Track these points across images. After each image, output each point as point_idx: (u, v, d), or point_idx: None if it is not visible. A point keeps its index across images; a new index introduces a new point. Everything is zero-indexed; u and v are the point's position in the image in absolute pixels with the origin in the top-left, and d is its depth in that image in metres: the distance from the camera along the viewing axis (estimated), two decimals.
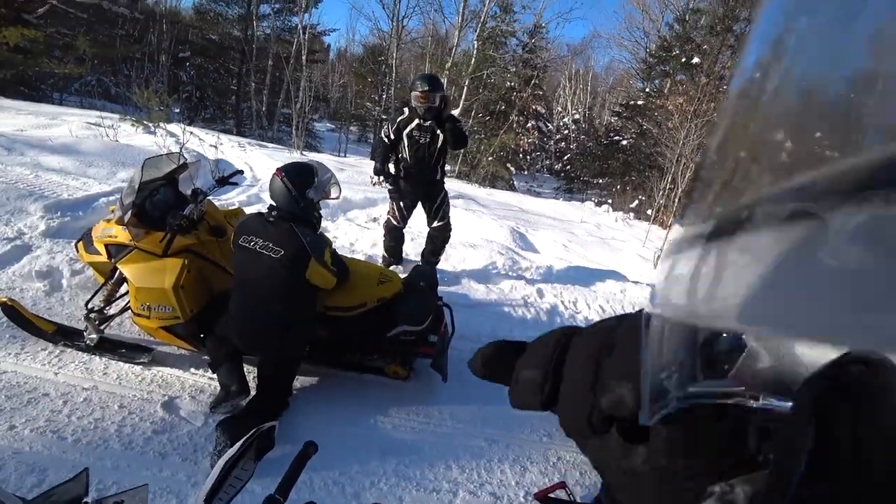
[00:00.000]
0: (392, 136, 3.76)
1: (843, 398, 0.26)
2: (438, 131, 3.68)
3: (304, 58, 13.93)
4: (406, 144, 3.74)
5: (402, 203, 3.93)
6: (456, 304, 3.21)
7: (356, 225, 5.16)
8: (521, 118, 18.11)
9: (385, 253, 4.18)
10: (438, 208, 3.96)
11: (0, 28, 11.23)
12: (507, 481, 2.43)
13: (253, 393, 2.49)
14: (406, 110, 3.77)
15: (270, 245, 2.31)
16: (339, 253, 2.80)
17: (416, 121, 3.67)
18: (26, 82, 13.47)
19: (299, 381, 2.77)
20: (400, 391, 2.86)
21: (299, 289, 2.38)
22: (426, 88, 3.57)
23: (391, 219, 4.01)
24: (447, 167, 4.07)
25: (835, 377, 0.27)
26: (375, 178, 3.88)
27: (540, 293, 4.17)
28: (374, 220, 5.39)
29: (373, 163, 3.89)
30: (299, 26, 15.83)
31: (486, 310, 3.81)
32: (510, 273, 4.46)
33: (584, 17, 48.32)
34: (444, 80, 12.55)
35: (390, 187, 3.92)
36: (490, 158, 15.67)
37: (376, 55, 20.83)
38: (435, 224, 3.99)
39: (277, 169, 2.48)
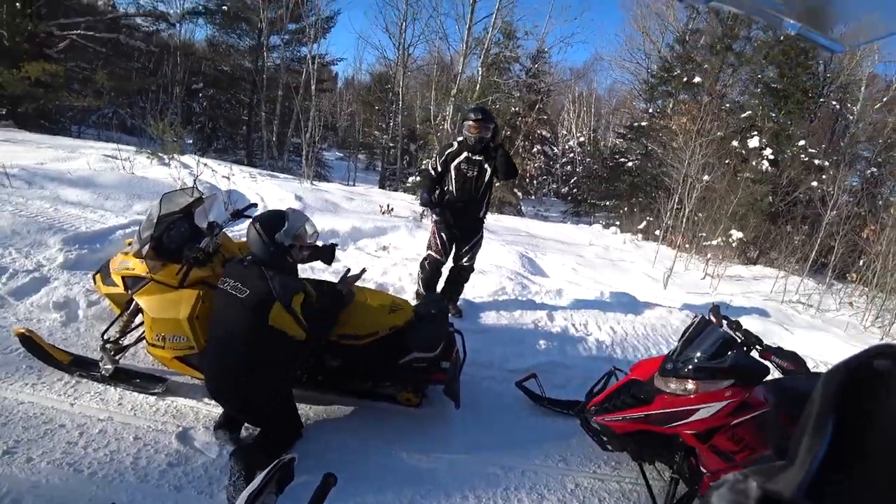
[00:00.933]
0: (439, 169, 3.78)
1: (868, 389, 0.27)
2: (486, 165, 3.69)
3: (313, 87, 14.24)
4: (453, 177, 3.74)
5: (444, 235, 3.87)
6: (467, 330, 3.21)
7: (366, 253, 5.21)
8: (526, 143, 18.30)
9: (421, 288, 4.06)
10: (471, 248, 3.92)
11: (23, 63, 11.66)
12: None
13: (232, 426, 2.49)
14: (455, 143, 3.79)
15: (239, 286, 2.34)
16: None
17: (465, 154, 3.69)
18: (46, 115, 13.89)
19: (312, 411, 2.77)
20: (413, 418, 2.85)
21: (262, 332, 2.30)
22: (479, 117, 3.61)
23: (433, 253, 3.92)
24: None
25: (857, 370, 0.28)
26: (418, 206, 3.80)
27: (550, 317, 4.16)
28: (384, 248, 5.44)
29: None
30: (308, 56, 16.25)
31: (498, 335, 3.81)
32: (520, 298, 4.46)
33: (585, 40, 49.34)
34: (451, 107, 12.88)
35: (437, 218, 3.89)
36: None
37: (383, 83, 21.23)
38: (462, 262, 3.93)
39: (252, 218, 2.54)
